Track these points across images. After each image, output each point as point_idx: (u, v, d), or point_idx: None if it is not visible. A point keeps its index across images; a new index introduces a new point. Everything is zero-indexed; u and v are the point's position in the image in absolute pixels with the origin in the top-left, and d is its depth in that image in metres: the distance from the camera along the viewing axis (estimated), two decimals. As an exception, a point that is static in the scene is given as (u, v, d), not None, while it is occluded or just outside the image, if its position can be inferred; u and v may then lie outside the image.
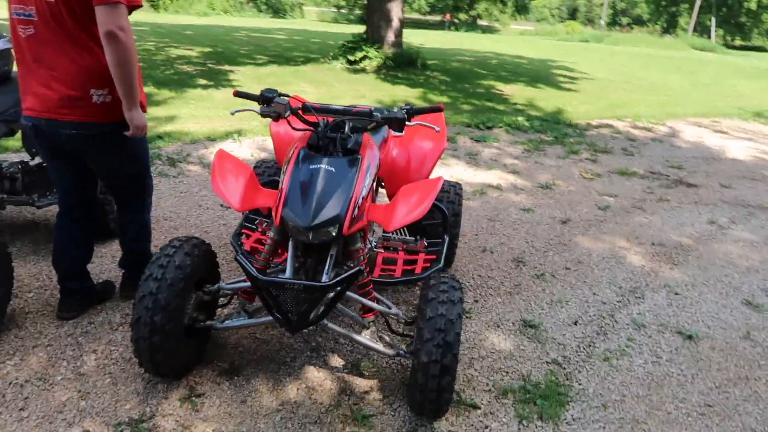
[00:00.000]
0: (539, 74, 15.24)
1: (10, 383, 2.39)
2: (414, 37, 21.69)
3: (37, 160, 3.48)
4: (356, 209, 2.33)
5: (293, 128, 2.60)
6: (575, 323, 3.26)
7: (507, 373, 2.77)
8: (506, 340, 3.04)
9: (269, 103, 2.50)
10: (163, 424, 2.25)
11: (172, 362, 2.38)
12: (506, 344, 3.00)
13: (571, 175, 6.11)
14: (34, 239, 3.66)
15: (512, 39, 35.49)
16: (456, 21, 45.38)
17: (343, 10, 48.32)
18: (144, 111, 2.62)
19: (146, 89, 8.59)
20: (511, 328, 3.16)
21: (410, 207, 2.42)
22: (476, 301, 3.41)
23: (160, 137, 6.14)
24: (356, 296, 2.46)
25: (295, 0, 49.51)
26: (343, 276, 2.21)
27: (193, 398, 2.39)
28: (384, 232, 3.35)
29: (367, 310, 2.48)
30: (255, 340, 2.81)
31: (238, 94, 2.61)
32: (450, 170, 5.96)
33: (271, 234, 2.46)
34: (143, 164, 2.89)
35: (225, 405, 2.38)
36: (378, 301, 2.59)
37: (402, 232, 3.53)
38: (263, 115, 2.51)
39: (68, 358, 2.58)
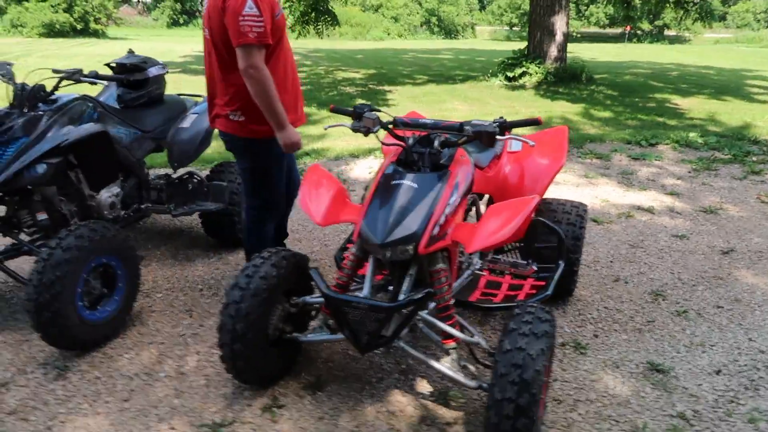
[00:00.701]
0: (727, 86, 13.55)
1: (122, 374, 2.62)
2: (587, 51, 20.66)
3: (179, 173, 3.83)
4: (437, 227, 2.21)
5: (383, 143, 2.55)
6: (718, 372, 2.75)
7: (617, 422, 2.41)
8: (624, 383, 2.65)
9: (360, 118, 2.48)
10: (239, 431, 2.30)
11: (256, 370, 2.43)
12: (623, 389, 2.62)
13: (744, 199, 5.27)
14: (175, 246, 4.04)
15: (703, 48, 32.16)
16: (638, 32, 42.31)
17: (515, 28, 47.71)
18: (295, 126, 2.89)
19: (308, 109, 9.18)
20: (634, 370, 2.76)
21: (496, 228, 2.22)
22: (596, 336, 3.04)
23: (307, 154, 6.49)
24: (434, 320, 2.31)
25: (467, 20, 49.93)
26: (409, 298, 2.09)
27: (274, 408, 2.42)
28: (486, 253, 3.15)
29: (447, 336, 2.32)
30: (346, 356, 2.78)
31: (335, 110, 2.63)
32: (596, 189, 5.48)
33: (353, 249, 2.42)
34: (269, 179, 3.02)
35: (302, 419, 2.37)
36: (462, 328, 2.41)
37: (514, 254, 3.29)
38: (354, 129, 2.50)
39: (174, 357, 2.77)
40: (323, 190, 2.51)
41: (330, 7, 10.82)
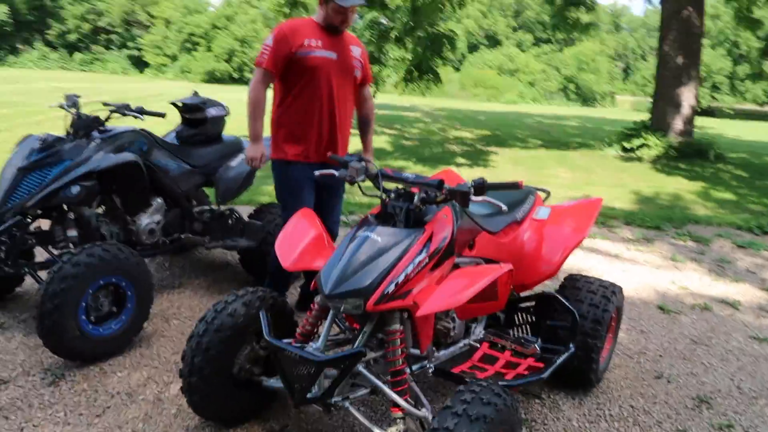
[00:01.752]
0: None
1: (107, 391, 2.74)
2: (734, 129, 19.07)
3: (222, 208, 4.04)
4: (393, 285, 2.10)
5: (363, 193, 2.50)
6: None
7: None
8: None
9: (346, 166, 2.47)
10: (183, 466, 2.29)
11: (215, 407, 2.41)
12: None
13: None
14: (215, 278, 4.21)
15: None
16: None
17: (659, 100, 45.50)
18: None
19: (404, 163, 9.34)
20: (635, 483, 2.39)
21: (451, 292, 2.07)
22: (605, 436, 2.68)
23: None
24: (381, 384, 2.16)
25: (608, 89, 48.53)
26: (337, 355, 1.99)
27: (224, 451, 2.38)
28: (493, 324, 2.94)
29: (395, 404, 2.16)
30: (319, 411, 2.68)
31: (331, 158, 2.64)
32: (677, 274, 4.95)
33: (317, 298, 2.37)
34: (282, 203, 3.32)
35: (247, 466, 2.31)
36: (416, 397, 2.24)
37: (525, 329, 3.04)
38: (340, 177, 2.48)
39: (160, 382, 2.84)
40: (300, 233, 2.50)
41: (433, 66, 11.05)
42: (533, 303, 3.02)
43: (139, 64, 40.38)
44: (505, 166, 10.12)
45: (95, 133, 3.32)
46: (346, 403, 2.19)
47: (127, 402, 2.67)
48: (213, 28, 37.93)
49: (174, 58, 38.68)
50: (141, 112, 3.46)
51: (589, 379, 2.97)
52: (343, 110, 3.22)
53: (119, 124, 3.58)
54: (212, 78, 36.20)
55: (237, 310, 2.38)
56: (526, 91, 45.96)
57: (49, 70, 36.41)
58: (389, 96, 31.67)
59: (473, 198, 2.20)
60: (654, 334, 3.79)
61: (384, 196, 2.38)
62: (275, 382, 2.43)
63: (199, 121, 3.94)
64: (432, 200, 2.34)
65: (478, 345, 2.82)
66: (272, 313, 2.49)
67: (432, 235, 2.27)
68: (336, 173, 2.51)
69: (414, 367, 2.49)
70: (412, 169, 9.15)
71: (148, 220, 3.58)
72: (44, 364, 2.90)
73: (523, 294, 3.10)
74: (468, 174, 9.10)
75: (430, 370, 2.53)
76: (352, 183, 2.47)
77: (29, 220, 3.14)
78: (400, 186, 2.39)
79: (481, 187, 2.23)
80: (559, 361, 2.73)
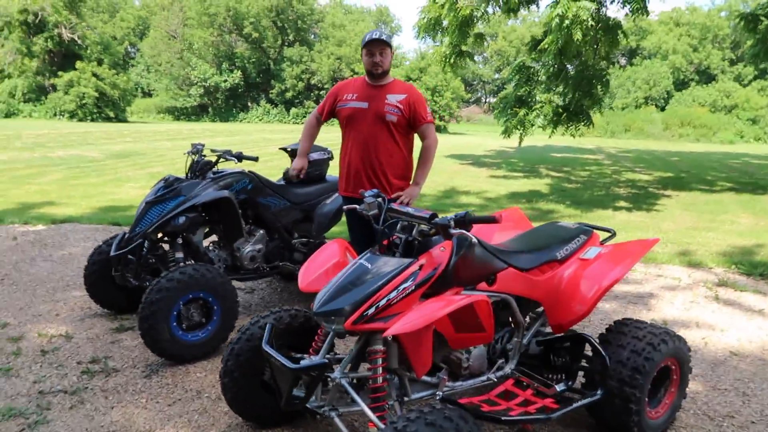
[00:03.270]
0: None
1: (183, 387, 3.26)
2: None
3: (318, 240, 4.50)
4: (373, 308, 2.28)
5: (375, 226, 2.71)
6: None
7: None
8: None
9: (362, 201, 2.73)
10: (212, 454, 2.68)
11: (246, 407, 2.78)
12: None
13: None
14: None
15: None
16: None
17: None
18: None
19: (555, 206, 9.15)
20: None
21: (414, 317, 2.19)
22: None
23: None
24: (359, 399, 2.33)
25: None
26: (306, 365, 2.22)
27: (250, 446, 2.73)
28: (524, 362, 2.90)
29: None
30: (352, 427, 2.89)
31: (360, 194, 2.92)
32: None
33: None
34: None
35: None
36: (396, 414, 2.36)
37: (560, 371, 2.92)
38: (359, 211, 2.74)
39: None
40: (324, 259, 2.78)
41: (585, 108, 10.54)
42: (567, 343, 2.92)
43: (343, 116, 44.51)
44: (672, 210, 9.28)
45: (209, 174, 4.02)
46: (333, 414, 2.40)
47: (194, 398, 3.16)
48: (408, 80, 40.49)
49: (433, 115, 41.98)
50: (239, 157, 4.09)
51: (630, 432, 2.75)
52: (374, 152, 3.58)
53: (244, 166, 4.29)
54: (405, 126, 38.46)
55: (267, 324, 2.74)
56: (746, 129, 40.77)
57: (269, 124, 41.88)
58: (570, 139, 30.59)
59: (451, 230, 2.32)
60: (759, 398, 3.31)
61: (382, 228, 2.59)
62: (298, 391, 2.73)
63: (303, 164, 4.49)
64: (427, 233, 2.49)
65: (503, 381, 2.82)
66: (302, 329, 2.81)
67: (422, 265, 2.41)
68: (358, 207, 2.79)
69: (421, 394, 2.61)
70: (562, 212, 8.87)
71: (250, 248, 4.18)
72: (148, 360, 3.56)
73: (561, 334, 3.01)
74: (624, 218, 8.56)
75: (437, 398, 2.62)
76: (365, 216, 2.71)
77: (150, 244, 3.89)
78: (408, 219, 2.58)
79: (461, 220, 2.34)
80: (576, 405, 2.62)
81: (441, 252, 2.49)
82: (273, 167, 10.44)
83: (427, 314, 2.18)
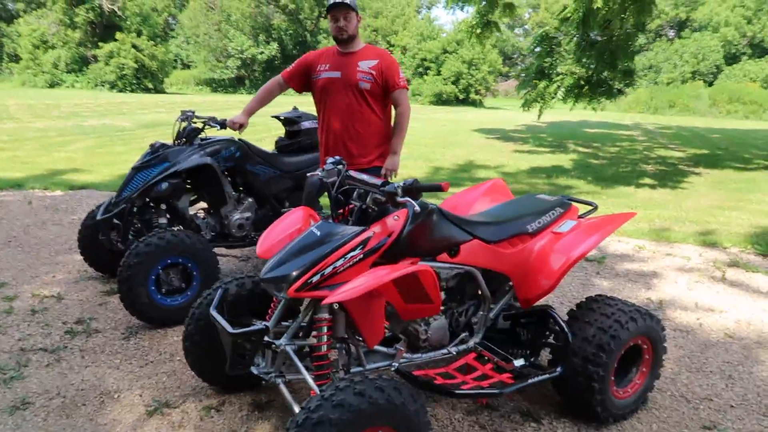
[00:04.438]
0: None
1: (158, 350, 3.32)
2: None
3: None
4: (317, 276, 2.25)
5: (330, 194, 2.66)
6: None
7: None
8: None
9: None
10: (173, 414, 2.72)
11: (207, 371, 2.79)
12: None
13: None
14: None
15: None
16: None
17: None
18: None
19: (575, 182, 8.92)
20: None
21: (353, 286, 2.14)
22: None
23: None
24: (301, 367, 2.31)
25: None
26: (245, 330, 2.21)
27: (210, 409, 2.76)
28: (489, 336, 2.84)
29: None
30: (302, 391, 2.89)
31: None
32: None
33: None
34: None
35: (228, 420, 2.65)
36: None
37: (527, 350, 2.85)
38: (320, 178, 2.70)
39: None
40: (284, 226, 2.74)
41: (607, 80, 10.08)
42: (532, 319, 2.84)
43: (378, 89, 44.24)
44: (698, 188, 8.92)
45: (197, 141, 4.03)
46: (278, 380, 2.40)
47: (167, 360, 3.22)
48: (443, 52, 39.75)
49: (407, 81, 41.50)
50: (222, 124, 4.06)
51: (594, 411, 2.67)
52: (351, 122, 3.52)
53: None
54: (439, 100, 37.92)
55: (229, 290, 2.74)
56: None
57: (305, 96, 41.93)
58: (611, 114, 29.69)
59: (399, 199, 2.27)
60: (743, 382, 3.18)
61: (336, 195, 2.55)
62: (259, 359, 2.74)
63: (295, 133, 4.47)
64: (381, 201, 2.44)
65: (464, 354, 2.77)
66: (266, 296, 2.80)
67: (373, 234, 2.36)
68: (318, 174, 2.75)
69: (377, 364, 2.59)
70: (581, 188, 8.64)
71: (238, 216, 4.19)
72: (130, 323, 3.63)
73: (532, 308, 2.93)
74: (645, 195, 8.28)
75: (392, 369, 2.60)
76: (325, 184, 2.67)
77: (137, 209, 3.93)
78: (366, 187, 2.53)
79: (409, 188, 2.28)
80: (532, 381, 2.56)
81: (394, 221, 2.44)
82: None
83: (366, 282, 2.14)
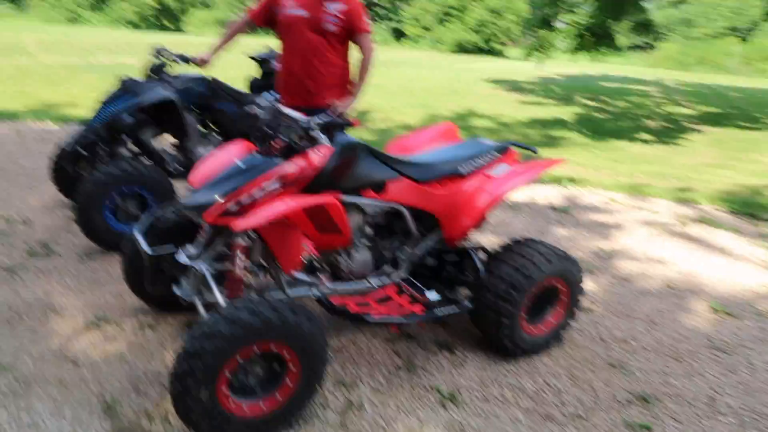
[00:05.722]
0: None
1: (108, 271, 3.51)
2: None
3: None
4: (235, 204, 2.35)
5: (260, 127, 2.74)
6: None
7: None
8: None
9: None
10: (106, 328, 2.92)
11: (143, 291, 2.95)
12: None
13: None
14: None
15: None
16: None
17: None
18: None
19: (569, 134, 8.87)
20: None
21: (258, 213, 2.25)
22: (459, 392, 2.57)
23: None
24: (215, 289, 2.45)
25: None
26: (159, 250, 2.36)
27: (145, 326, 2.94)
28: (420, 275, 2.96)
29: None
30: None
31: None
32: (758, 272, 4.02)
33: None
34: None
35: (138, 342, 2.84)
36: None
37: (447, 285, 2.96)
38: (253, 113, 2.77)
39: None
40: (219, 156, 2.82)
41: (610, 31, 9.79)
42: (454, 256, 2.95)
43: (399, 35, 43.50)
44: (696, 145, 8.81)
45: (165, 77, 4.11)
46: (196, 299, 2.56)
47: (115, 282, 3.39)
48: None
49: (429, 29, 40.78)
50: (185, 59, 4.10)
51: (503, 346, 2.81)
52: (312, 63, 3.53)
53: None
54: (461, 48, 37.21)
55: (160, 215, 2.87)
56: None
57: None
58: (636, 69, 28.88)
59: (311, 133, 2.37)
60: (664, 328, 3.28)
61: (264, 129, 2.63)
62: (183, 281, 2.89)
63: (269, 73, 4.52)
64: (304, 137, 2.52)
65: (384, 286, 2.89)
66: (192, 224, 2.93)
67: (295, 167, 2.45)
68: (254, 108, 2.82)
69: (299, 292, 2.73)
70: (574, 140, 8.58)
71: (204, 151, 4.30)
72: (89, 248, 3.81)
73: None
74: (637, 150, 8.21)
75: (312, 296, 2.74)
76: (256, 118, 2.75)
77: (105, 141, 4.05)
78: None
79: (324, 124, 2.38)
80: (440, 313, 2.69)
81: (317, 155, 2.52)
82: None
83: (273, 210, 2.25)
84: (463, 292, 2.97)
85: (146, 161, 4.06)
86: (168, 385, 2.06)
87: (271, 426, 2.23)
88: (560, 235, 4.57)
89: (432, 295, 2.78)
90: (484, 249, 2.99)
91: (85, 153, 4.02)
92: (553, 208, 5.23)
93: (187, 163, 4.35)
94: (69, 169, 4.07)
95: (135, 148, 4.23)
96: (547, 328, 2.92)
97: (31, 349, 2.70)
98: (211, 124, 4.47)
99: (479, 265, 2.76)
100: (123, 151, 4.10)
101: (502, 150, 3.09)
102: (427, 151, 3.15)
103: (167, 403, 2.30)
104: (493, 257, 2.87)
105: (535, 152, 3.24)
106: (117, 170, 3.59)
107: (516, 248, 2.85)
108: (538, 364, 2.85)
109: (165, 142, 4.55)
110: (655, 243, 4.56)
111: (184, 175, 4.33)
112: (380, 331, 3.00)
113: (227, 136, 4.43)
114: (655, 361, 2.94)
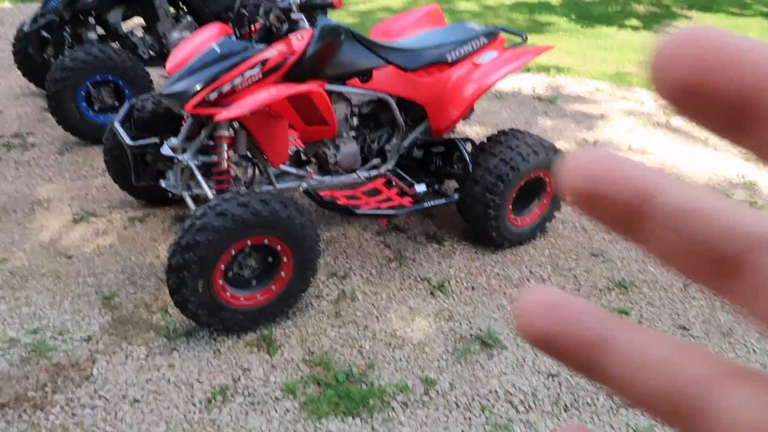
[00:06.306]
0: None
1: (92, 166, 3.43)
2: None
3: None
4: (216, 93, 2.27)
5: (236, 8, 2.59)
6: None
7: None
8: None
9: None
10: (95, 222, 2.90)
11: (126, 183, 2.89)
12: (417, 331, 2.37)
13: None
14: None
15: None
16: None
17: None
18: None
19: (557, 18, 8.57)
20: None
21: (248, 101, 2.19)
22: (447, 283, 2.67)
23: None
24: (201, 181, 2.42)
25: None
26: (139, 142, 2.30)
27: (134, 219, 2.93)
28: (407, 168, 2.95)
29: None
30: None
31: None
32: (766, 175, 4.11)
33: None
34: None
35: (128, 235, 2.84)
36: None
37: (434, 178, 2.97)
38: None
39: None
40: (195, 41, 2.68)
41: None
42: (442, 148, 2.93)
43: None
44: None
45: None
46: (184, 192, 2.53)
47: (99, 175, 3.34)
48: None
49: None
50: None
51: (490, 236, 2.87)
52: None
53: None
54: None
55: (137, 105, 2.77)
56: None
57: None
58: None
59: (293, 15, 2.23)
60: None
61: (240, 10, 2.48)
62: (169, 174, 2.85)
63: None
64: (283, 19, 2.38)
65: (373, 179, 2.89)
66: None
67: (276, 53, 2.34)
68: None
69: (287, 184, 2.71)
70: (560, 26, 8.30)
71: (177, 35, 4.07)
72: (66, 139, 3.69)
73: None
74: (624, 37, 8.01)
75: (301, 189, 2.73)
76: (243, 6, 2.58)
77: (63, 20, 3.79)
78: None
79: (304, 4, 2.23)
80: (428, 205, 2.72)
81: (298, 40, 2.40)
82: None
83: (256, 100, 2.18)
84: (451, 184, 2.99)
85: (116, 46, 3.84)
86: (165, 278, 2.09)
87: (268, 315, 2.31)
88: (546, 126, 4.55)
89: (420, 188, 2.79)
90: (471, 141, 2.97)
91: (47, 36, 3.77)
92: (539, 98, 5.16)
93: (160, 48, 4.13)
94: (35, 55, 3.83)
95: (102, 32, 3.98)
96: (531, 219, 2.98)
97: (22, 243, 2.68)
98: (181, 4, 4.19)
99: (467, 157, 2.75)
100: (90, 35, 3.85)
101: (491, 36, 2.97)
102: (413, 36, 3.02)
103: (164, 295, 2.35)
104: (481, 149, 2.85)
105: (525, 39, 3.13)
106: (89, 56, 3.40)
107: (503, 140, 2.82)
108: (523, 254, 2.94)
109: (134, 24, 4.29)
110: (639, 134, 4.57)
111: (156, 61, 4.13)
112: (370, 224, 3.03)
113: (198, 18, 4.18)
114: (635, 249, 3.05)
